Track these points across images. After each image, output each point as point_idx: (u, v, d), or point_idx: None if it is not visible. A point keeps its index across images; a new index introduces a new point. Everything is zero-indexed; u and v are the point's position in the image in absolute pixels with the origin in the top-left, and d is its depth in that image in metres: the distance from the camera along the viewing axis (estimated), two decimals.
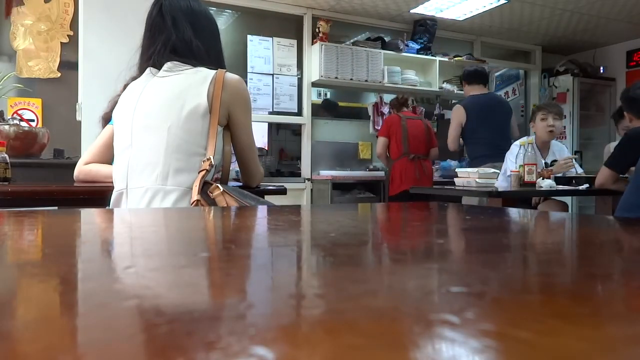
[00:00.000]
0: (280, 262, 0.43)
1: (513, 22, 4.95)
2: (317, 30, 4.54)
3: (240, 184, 1.47)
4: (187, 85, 1.24)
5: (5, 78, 2.82)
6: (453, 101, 5.58)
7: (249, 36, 4.34)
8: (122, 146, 1.27)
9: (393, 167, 3.86)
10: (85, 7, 3.27)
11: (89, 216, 0.80)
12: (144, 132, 1.23)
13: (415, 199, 3.13)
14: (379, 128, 4.44)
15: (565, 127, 5.48)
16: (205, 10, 1.40)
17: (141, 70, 1.37)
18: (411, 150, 3.80)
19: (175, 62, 1.29)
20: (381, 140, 3.92)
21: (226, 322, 0.23)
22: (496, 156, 3.27)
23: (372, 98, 5.23)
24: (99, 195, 1.38)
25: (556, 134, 3.09)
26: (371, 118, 5.08)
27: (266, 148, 4.63)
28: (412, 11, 4.66)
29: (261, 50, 4.38)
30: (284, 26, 4.56)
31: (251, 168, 1.41)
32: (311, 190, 4.48)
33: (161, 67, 1.30)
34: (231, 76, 1.29)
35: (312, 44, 4.56)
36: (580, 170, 3.23)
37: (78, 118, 3.25)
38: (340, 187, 4.36)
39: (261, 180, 1.48)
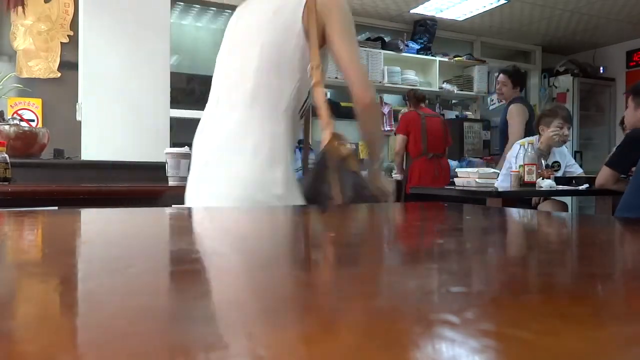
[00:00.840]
0: (281, 261, 0.43)
1: (513, 22, 4.95)
2: None
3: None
4: (284, 3, 1.18)
5: (5, 78, 2.82)
6: (453, 101, 5.58)
7: None
8: (220, 64, 1.27)
9: (412, 166, 3.83)
10: (85, 7, 3.26)
11: (89, 216, 0.80)
12: (238, 50, 1.23)
13: (428, 199, 3.12)
14: (396, 126, 4.36)
15: None
16: None
17: None
18: (429, 149, 3.78)
19: None
20: (400, 138, 3.86)
21: (226, 322, 0.23)
22: None
23: None
24: (98, 195, 1.38)
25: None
26: None
27: None
28: (412, 11, 4.66)
29: None
30: None
31: (352, 78, 1.17)
32: None
33: None
34: None
35: None
36: (580, 171, 3.23)
37: (78, 118, 3.24)
38: None
39: (370, 93, 1.20)
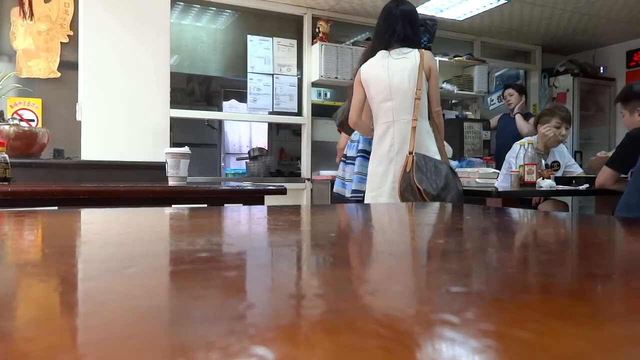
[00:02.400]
0: (281, 261, 0.43)
1: (513, 22, 4.95)
2: (317, 30, 4.53)
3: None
4: (413, 62, 2.26)
5: (5, 78, 2.82)
6: (453, 101, 5.58)
7: (249, 36, 4.34)
8: (384, 98, 2.29)
9: None
10: (85, 7, 3.26)
11: (89, 216, 0.80)
12: (398, 91, 2.26)
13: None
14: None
15: None
16: (415, 11, 2.41)
17: (374, 51, 2.37)
18: None
19: (399, 48, 2.30)
20: None
21: (226, 322, 0.23)
22: None
23: None
24: (98, 195, 1.38)
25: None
26: None
27: (266, 148, 4.64)
28: None
29: (261, 50, 4.38)
30: (284, 26, 4.56)
31: (435, 101, 2.32)
32: (311, 190, 4.47)
33: (389, 50, 2.31)
34: (426, 52, 2.32)
35: (312, 44, 4.55)
36: (579, 170, 3.23)
37: (78, 118, 3.25)
38: None
39: (440, 110, 2.39)
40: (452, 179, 2.20)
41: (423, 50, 2.31)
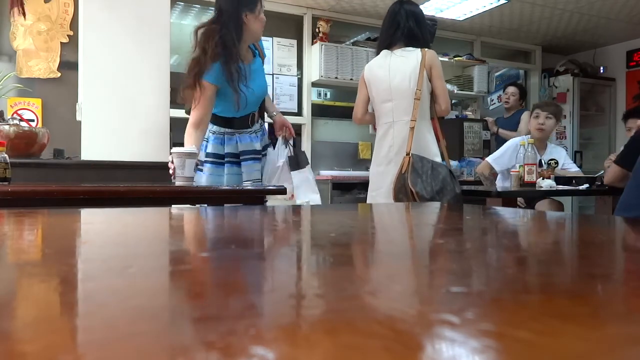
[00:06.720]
0: (281, 261, 0.43)
1: (513, 22, 4.95)
2: (317, 30, 4.54)
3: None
4: (414, 62, 2.24)
5: (5, 78, 2.81)
6: (453, 101, 5.58)
7: None
8: (385, 99, 2.29)
9: None
10: (85, 7, 3.26)
11: (89, 216, 0.80)
12: (398, 91, 2.25)
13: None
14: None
15: (565, 127, 5.48)
16: (421, 11, 2.41)
17: (379, 49, 2.38)
18: None
19: (402, 48, 2.29)
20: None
21: (226, 322, 0.23)
22: None
23: None
24: (98, 195, 1.38)
25: (547, 132, 3.08)
26: None
27: None
28: None
29: None
30: (284, 26, 4.56)
31: (441, 99, 2.28)
32: None
33: (392, 48, 2.31)
34: (429, 51, 2.29)
35: (312, 44, 4.56)
36: (575, 169, 3.23)
37: (78, 118, 3.24)
38: (340, 187, 4.35)
39: (448, 107, 2.33)
40: (449, 182, 2.18)
41: (426, 49, 2.29)
